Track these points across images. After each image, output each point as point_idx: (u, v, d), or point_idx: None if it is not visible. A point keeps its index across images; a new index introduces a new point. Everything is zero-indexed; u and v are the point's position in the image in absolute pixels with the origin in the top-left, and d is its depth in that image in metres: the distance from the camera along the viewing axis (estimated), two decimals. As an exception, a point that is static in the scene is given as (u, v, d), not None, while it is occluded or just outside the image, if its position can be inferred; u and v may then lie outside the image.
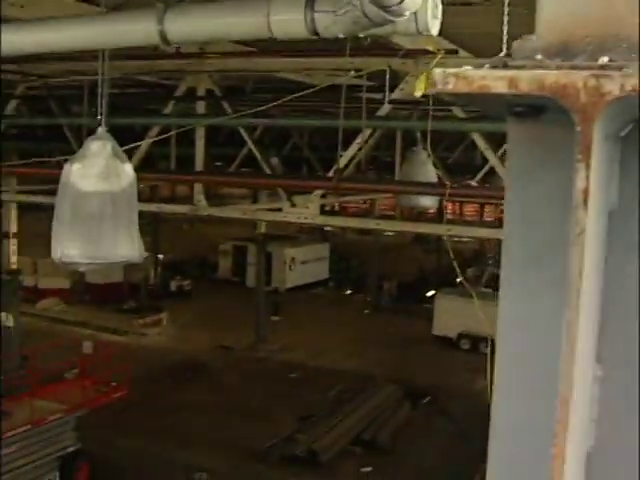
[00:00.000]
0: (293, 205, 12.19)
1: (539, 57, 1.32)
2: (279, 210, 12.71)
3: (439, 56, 9.30)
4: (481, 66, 1.28)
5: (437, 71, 1.27)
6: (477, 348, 29.33)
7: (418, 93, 9.88)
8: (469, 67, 1.27)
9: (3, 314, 21.46)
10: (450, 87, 1.25)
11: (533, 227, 1.41)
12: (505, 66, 1.29)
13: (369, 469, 19.94)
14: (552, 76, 1.23)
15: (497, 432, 1.42)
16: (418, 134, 14.54)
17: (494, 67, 1.29)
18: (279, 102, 9.51)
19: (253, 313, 32.33)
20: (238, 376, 27.23)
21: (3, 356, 22.27)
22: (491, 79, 1.26)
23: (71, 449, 18.23)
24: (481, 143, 12.22)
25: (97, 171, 6.41)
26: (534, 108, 1.32)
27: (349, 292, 42.26)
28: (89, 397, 18.94)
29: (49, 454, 17.74)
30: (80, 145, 8.35)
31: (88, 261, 6.54)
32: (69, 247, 6.42)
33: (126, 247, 6.56)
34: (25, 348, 22.02)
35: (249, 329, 31.87)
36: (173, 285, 39.55)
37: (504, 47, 3.98)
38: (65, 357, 21.33)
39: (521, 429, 1.41)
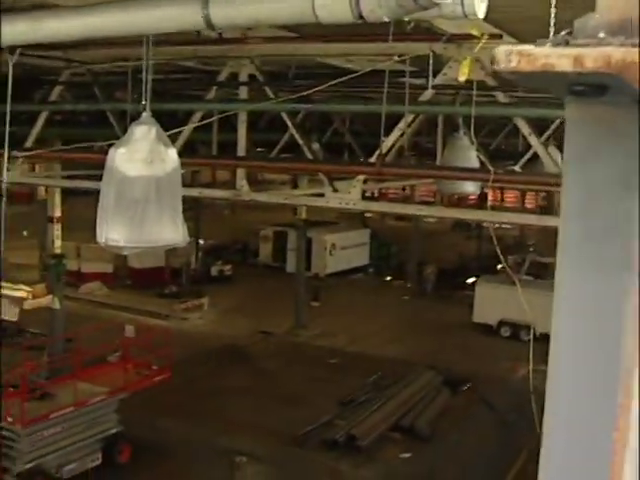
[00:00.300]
0: (335, 190, 12.18)
1: (602, 35, 1.29)
2: (321, 195, 12.72)
3: (483, 40, 9.22)
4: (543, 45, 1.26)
5: (500, 49, 1.25)
6: (518, 336, 29.20)
7: (462, 78, 9.80)
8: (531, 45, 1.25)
9: (50, 297, 21.77)
10: (513, 65, 1.23)
11: (592, 209, 1.38)
12: (567, 44, 1.27)
13: (408, 455, 19.94)
14: (619, 53, 1.21)
15: (552, 417, 1.40)
16: (460, 119, 14.42)
17: (557, 45, 1.26)
18: (321, 87, 9.49)
19: (293, 298, 32.45)
20: (278, 361, 27.37)
21: (49, 339, 22.65)
22: (555, 57, 1.24)
23: (113, 431, 18.48)
24: (525, 128, 12.06)
25: (142, 156, 6.45)
26: (595, 87, 1.30)
27: (389, 278, 42.16)
28: (131, 380, 19.17)
29: (92, 436, 18.00)
30: (124, 131, 8.41)
31: (132, 245, 6.60)
32: (114, 231, 6.47)
33: (170, 231, 6.60)
34: (69, 331, 22.33)
35: (289, 314, 32.01)
36: (214, 270, 39.77)
37: (551, 30, 3.92)
38: (108, 340, 21.61)
39: (578, 413, 1.39)
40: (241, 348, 28.79)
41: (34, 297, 21.42)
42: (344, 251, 42.84)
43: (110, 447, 18.30)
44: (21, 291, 21.45)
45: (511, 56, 1.25)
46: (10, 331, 26.32)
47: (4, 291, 21.47)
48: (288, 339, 30.42)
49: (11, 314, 21.48)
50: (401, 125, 11.49)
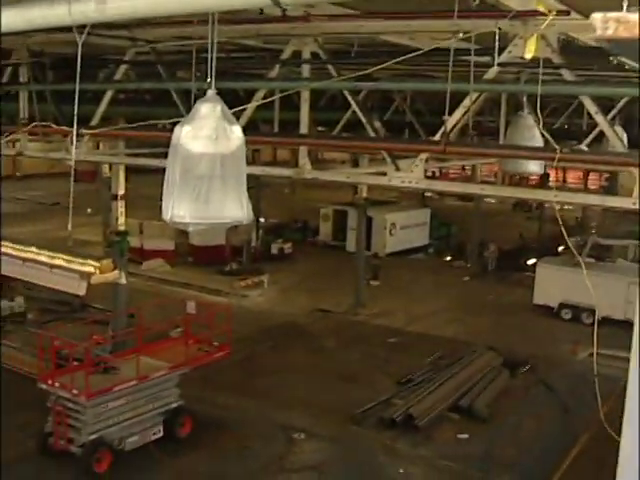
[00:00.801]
0: (397, 169, 12.10)
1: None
2: (383, 174, 12.64)
3: (550, 17, 9.05)
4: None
5: (596, 16, 1.22)
6: (579, 318, 28.86)
7: (528, 55, 9.64)
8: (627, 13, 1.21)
9: (116, 272, 22.09)
10: (610, 32, 1.20)
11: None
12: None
13: (466, 436, 19.87)
14: None
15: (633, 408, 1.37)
16: (524, 98, 14.20)
17: (653, 13, 1.23)
18: (384, 65, 9.43)
19: (352, 277, 32.49)
20: (336, 339, 27.48)
21: (112, 314, 23.06)
22: (654, 24, 1.20)
23: (174, 405, 18.78)
24: (591, 107, 11.79)
25: (207, 133, 6.47)
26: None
27: (449, 258, 41.90)
28: (192, 356, 19.42)
29: (153, 409, 18.31)
30: (187, 109, 8.47)
31: (197, 221, 6.63)
32: (179, 207, 6.52)
33: (234, 208, 6.63)
34: (131, 307, 22.70)
35: (348, 293, 32.07)
36: (274, 248, 40.04)
37: (624, 3, 3.83)
38: (169, 316, 21.93)
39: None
40: (300, 326, 28.98)
41: (101, 272, 21.75)
42: (404, 230, 42.73)
43: (171, 421, 18.60)
44: (89, 266, 21.80)
45: (608, 23, 1.22)
46: (74, 306, 26.93)
47: (73, 266, 21.90)
48: (347, 318, 30.49)
49: (79, 288, 21.89)
50: (465, 103, 11.34)
